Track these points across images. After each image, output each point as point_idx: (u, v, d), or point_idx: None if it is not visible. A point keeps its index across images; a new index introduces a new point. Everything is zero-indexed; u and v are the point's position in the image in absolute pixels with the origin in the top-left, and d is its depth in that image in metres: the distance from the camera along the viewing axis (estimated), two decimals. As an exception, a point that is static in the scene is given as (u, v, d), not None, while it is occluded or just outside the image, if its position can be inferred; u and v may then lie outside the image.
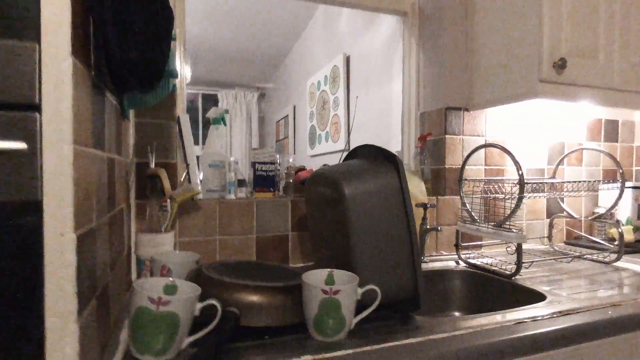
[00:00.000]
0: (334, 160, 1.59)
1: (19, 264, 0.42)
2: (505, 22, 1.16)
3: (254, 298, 0.64)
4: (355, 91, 1.81)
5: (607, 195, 1.47)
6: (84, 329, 0.46)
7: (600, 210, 1.42)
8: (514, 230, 0.97)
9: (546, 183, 1.15)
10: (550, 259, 1.18)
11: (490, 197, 1.17)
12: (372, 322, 0.69)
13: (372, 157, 0.81)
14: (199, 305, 0.58)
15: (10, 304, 0.42)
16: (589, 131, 1.54)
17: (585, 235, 1.43)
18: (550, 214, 1.43)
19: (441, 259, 1.21)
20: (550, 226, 1.36)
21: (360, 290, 0.64)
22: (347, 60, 1.89)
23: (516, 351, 0.64)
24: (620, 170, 1.17)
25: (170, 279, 0.61)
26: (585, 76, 1.10)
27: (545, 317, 0.72)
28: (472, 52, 1.29)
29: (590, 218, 1.41)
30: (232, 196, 1.11)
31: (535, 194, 1.14)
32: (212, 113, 1.16)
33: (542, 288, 0.90)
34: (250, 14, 2.45)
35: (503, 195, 1.08)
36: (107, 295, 0.61)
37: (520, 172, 0.98)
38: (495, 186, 1.18)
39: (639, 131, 1.63)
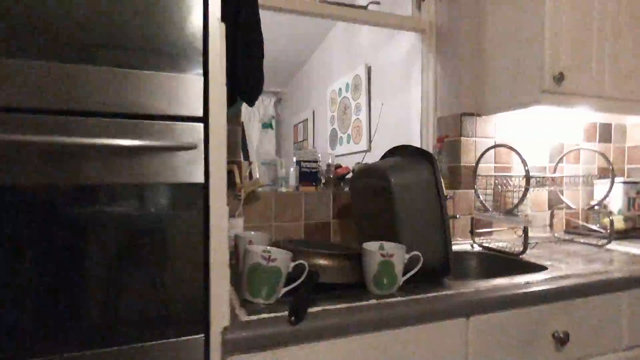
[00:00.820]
0: (356, 159, 1.79)
1: (192, 229, 0.63)
2: (512, 39, 1.36)
3: (327, 262, 0.84)
4: (376, 98, 2.02)
5: (601, 189, 1.66)
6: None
7: (595, 203, 1.62)
8: (521, 216, 1.17)
9: (548, 177, 1.35)
10: (552, 242, 1.38)
11: (501, 190, 1.37)
12: (415, 283, 0.89)
13: (409, 155, 1.01)
14: (292, 264, 0.78)
15: (187, 259, 0.62)
16: (585, 133, 1.74)
17: (583, 223, 1.63)
18: (551, 206, 1.63)
19: (458, 243, 1.40)
20: (551, 216, 1.56)
21: (407, 256, 0.85)
22: (369, 70, 2.10)
23: (526, 301, 0.84)
24: (611, 167, 1.37)
25: (267, 247, 0.81)
26: (580, 87, 1.30)
27: (547, 279, 0.92)
28: (483, 65, 1.50)
29: (586, 208, 1.61)
30: (283, 189, 1.31)
31: (539, 187, 1.34)
32: (263, 117, 1.36)
33: (545, 262, 1.10)
34: (272, 25, 2.65)
35: (512, 188, 1.28)
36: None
37: (526, 168, 1.18)
38: (505, 180, 1.38)
39: (630, 133, 1.83)
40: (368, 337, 0.72)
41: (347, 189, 1.36)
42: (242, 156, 1.23)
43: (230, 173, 1.11)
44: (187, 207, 0.62)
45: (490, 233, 1.52)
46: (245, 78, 0.70)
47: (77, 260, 0.57)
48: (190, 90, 0.63)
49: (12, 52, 0.53)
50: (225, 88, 0.64)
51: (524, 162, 1.18)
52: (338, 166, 1.40)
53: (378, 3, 1.61)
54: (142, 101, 0.60)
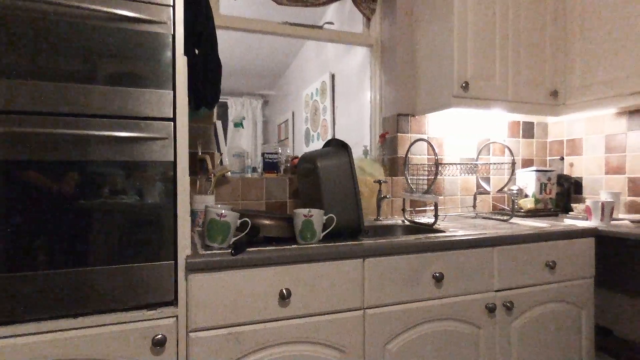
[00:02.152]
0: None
1: (166, 190, 0.96)
2: (433, 53, 1.70)
3: (267, 221, 1.18)
4: (338, 101, 2.35)
5: (523, 176, 1.99)
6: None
7: (514, 188, 1.94)
8: (432, 195, 1.50)
9: (456, 164, 1.68)
10: (469, 218, 1.71)
11: (420, 177, 1.69)
12: (335, 238, 1.22)
13: (335, 146, 1.34)
14: (239, 221, 1.11)
15: (163, 209, 0.95)
16: (510, 130, 2.07)
17: (501, 206, 1.96)
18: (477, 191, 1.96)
19: (394, 219, 1.73)
20: (474, 198, 1.89)
21: (324, 217, 1.18)
22: (333, 77, 2.44)
23: (410, 250, 1.17)
24: (512, 157, 1.70)
25: (220, 207, 1.14)
26: (485, 93, 1.63)
27: (436, 237, 1.25)
28: (415, 74, 1.83)
29: (497, 191, 1.94)
30: (249, 176, 1.64)
31: (451, 174, 1.67)
32: (235, 119, 1.70)
33: (448, 229, 1.43)
34: (257, 37, 2.98)
35: (424, 173, 1.61)
36: (188, 218, 1.15)
37: (436, 158, 1.51)
38: (423, 168, 1.71)
39: (550, 130, 2.16)
40: (289, 267, 1.05)
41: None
42: (215, 148, 1.56)
43: (203, 161, 1.44)
44: (163, 176, 0.95)
45: (424, 211, 1.85)
46: (204, 92, 1.03)
47: (87, 204, 0.90)
48: (164, 101, 0.96)
49: (51, 78, 0.87)
50: (187, 99, 0.98)
51: (434, 151, 1.51)
52: (295, 157, 1.74)
53: (332, 23, 1.94)
54: (134, 108, 0.93)
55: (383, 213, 1.78)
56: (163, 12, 0.96)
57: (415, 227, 1.57)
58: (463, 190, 1.96)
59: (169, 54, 0.96)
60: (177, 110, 0.97)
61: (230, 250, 1.00)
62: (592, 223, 1.53)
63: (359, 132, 2.17)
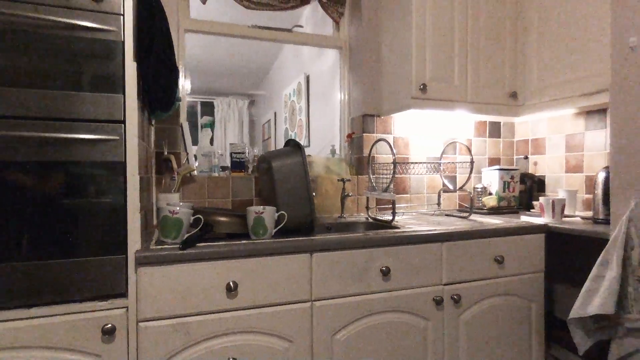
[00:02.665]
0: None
1: (117, 189, 1.02)
2: (395, 56, 1.75)
3: (221, 218, 1.23)
4: (313, 102, 2.41)
5: (488, 175, 2.05)
6: (142, 218, 1.06)
7: (479, 186, 2.00)
8: (390, 193, 1.56)
9: (415, 162, 1.74)
10: (430, 215, 1.77)
11: (384, 175, 1.75)
12: (288, 234, 1.28)
13: (291, 146, 1.40)
14: (192, 218, 1.17)
15: (114, 207, 1.01)
16: (476, 130, 2.13)
17: (464, 204, 2.02)
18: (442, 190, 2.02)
19: (359, 216, 1.79)
20: (439, 197, 1.95)
21: (277, 214, 1.24)
22: (308, 78, 2.50)
23: (358, 245, 1.23)
24: (471, 157, 1.76)
25: (173, 204, 1.20)
26: (443, 94, 1.69)
27: (387, 233, 1.31)
28: (379, 76, 1.89)
29: (458, 188, 1.99)
30: (216, 175, 1.70)
31: (406, 174, 1.73)
32: (204, 120, 1.76)
33: (405, 226, 1.49)
34: (235, 39, 3.05)
35: (388, 172, 1.67)
36: (145, 213, 1.21)
37: (394, 157, 1.57)
38: (385, 167, 1.76)
39: (517, 129, 2.22)
40: (237, 261, 1.10)
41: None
42: (182, 148, 1.61)
43: (168, 161, 1.50)
44: (114, 175, 1.01)
45: (389, 208, 1.91)
46: (155, 96, 1.09)
47: (43, 201, 0.95)
48: (115, 104, 1.02)
49: (5, 82, 0.92)
50: (136, 102, 1.04)
51: (392, 150, 1.57)
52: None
53: (301, 27, 2.00)
54: (86, 111, 0.99)
55: (349, 210, 1.84)
56: (114, 20, 1.02)
57: (375, 223, 1.63)
58: (429, 188, 2.02)
59: (120, 59, 1.02)
60: (126, 113, 1.03)
61: (179, 246, 1.06)
62: (545, 220, 1.59)
63: (331, 132, 2.23)
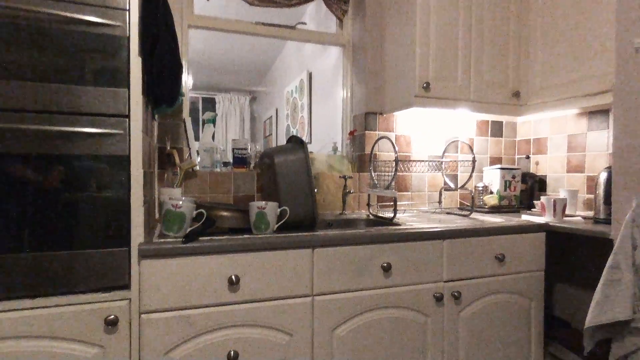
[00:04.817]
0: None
1: (121, 182, 1.03)
2: (398, 54, 1.76)
3: (224, 213, 1.24)
4: (315, 99, 2.42)
5: (489, 174, 2.05)
6: (145, 212, 1.07)
7: (480, 185, 2.01)
8: (392, 190, 1.56)
9: (416, 160, 1.75)
10: (432, 213, 1.78)
11: (385, 173, 1.76)
12: (290, 230, 1.29)
13: (293, 142, 1.41)
14: (195, 212, 1.18)
15: (118, 200, 1.02)
16: (478, 128, 2.13)
17: (465, 203, 2.03)
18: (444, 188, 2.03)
19: (360, 213, 1.80)
20: (440, 194, 1.95)
21: (278, 209, 1.24)
22: (310, 75, 2.50)
23: (359, 241, 1.24)
24: (473, 156, 1.76)
25: (175, 199, 1.21)
26: (446, 93, 1.69)
27: (390, 230, 1.32)
28: (382, 75, 1.89)
29: (459, 187, 2.00)
30: (218, 170, 1.71)
31: (422, 172, 1.73)
32: (206, 116, 1.76)
33: (406, 223, 1.49)
34: (237, 35, 3.05)
35: (389, 170, 1.68)
36: (148, 207, 1.22)
37: (396, 155, 1.57)
38: (386, 164, 1.77)
39: (519, 129, 2.22)
40: (238, 255, 1.11)
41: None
42: (185, 144, 1.62)
43: (170, 155, 1.51)
44: (118, 169, 1.02)
45: (390, 205, 1.91)
46: (161, 91, 1.10)
47: (48, 193, 0.96)
48: (120, 99, 1.02)
49: (11, 76, 0.93)
50: (141, 97, 1.04)
51: (394, 148, 1.57)
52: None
53: (304, 24, 2.00)
54: (91, 105, 0.99)
55: (350, 207, 1.84)
56: (119, 15, 1.02)
57: (376, 220, 1.64)
58: (430, 187, 2.02)
59: (125, 54, 1.02)
60: (131, 108, 1.03)
61: (182, 239, 1.07)
62: (546, 219, 1.59)
63: (333, 129, 2.23)
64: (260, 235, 1.18)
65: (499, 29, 1.79)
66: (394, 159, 1.56)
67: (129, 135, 1.04)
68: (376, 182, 1.75)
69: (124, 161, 1.03)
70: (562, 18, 1.68)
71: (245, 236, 1.17)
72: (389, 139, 1.62)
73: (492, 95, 1.78)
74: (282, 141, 3.35)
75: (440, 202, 1.96)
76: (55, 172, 0.97)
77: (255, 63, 3.58)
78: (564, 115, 1.93)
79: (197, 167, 1.63)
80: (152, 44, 1.08)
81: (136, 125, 1.04)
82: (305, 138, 2.57)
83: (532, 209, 1.96)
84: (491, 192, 2.00)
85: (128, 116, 1.03)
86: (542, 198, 1.62)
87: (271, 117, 3.58)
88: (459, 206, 2.09)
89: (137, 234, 1.04)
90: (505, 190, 1.98)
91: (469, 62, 1.73)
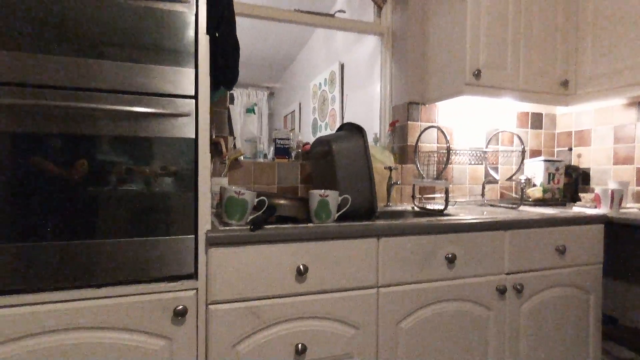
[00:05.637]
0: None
1: (188, 166, 0.98)
2: (445, 42, 1.71)
3: (283, 201, 1.19)
4: (347, 90, 2.36)
5: (531, 166, 2.00)
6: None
7: (523, 177, 1.96)
8: (443, 180, 1.52)
9: (467, 151, 1.70)
10: (477, 205, 1.73)
11: (430, 164, 1.71)
12: (349, 219, 1.24)
13: (349, 129, 1.36)
14: (256, 200, 1.13)
15: (185, 185, 0.97)
16: (518, 120, 2.08)
17: (507, 192, 1.98)
18: (486, 181, 1.98)
19: (404, 206, 1.75)
20: (483, 187, 1.90)
21: (340, 198, 1.20)
22: (342, 67, 2.45)
23: (421, 231, 1.19)
24: (523, 146, 1.71)
25: (242, 189, 1.16)
26: (496, 81, 1.64)
27: (444, 219, 1.27)
28: (426, 63, 1.84)
29: (506, 179, 1.95)
30: (261, 160, 1.66)
31: (461, 163, 1.69)
32: (248, 105, 1.72)
33: (456, 214, 1.45)
34: (264, 28, 2.99)
35: (433, 161, 1.63)
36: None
37: (448, 144, 1.53)
38: (435, 154, 1.72)
39: (559, 121, 2.17)
40: (305, 244, 1.06)
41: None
42: (228, 132, 1.57)
43: (217, 144, 1.46)
44: (184, 153, 0.97)
45: (433, 198, 1.87)
46: (224, 71, 1.05)
47: (112, 178, 0.92)
48: (186, 78, 0.98)
49: (76, 53, 0.88)
50: (208, 77, 0.99)
51: (446, 137, 1.53)
52: (306, 144, 1.75)
53: (344, 12, 1.95)
54: (157, 85, 0.95)
55: (392, 200, 1.79)
56: (186, -9, 0.97)
57: (425, 212, 1.59)
58: (471, 180, 1.97)
59: (192, 32, 0.98)
60: (199, 88, 0.99)
61: (249, 226, 1.02)
62: (601, 210, 1.54)
63: (367, 121, 2.18)
64: (323, 224, 1.13)
65: (549, 14, 1.74)
66: (446, 148, 1.52)
67: (197, 117, 0.99)
68: (422, 173, 1.70)
69: (191, 144, 0.98)
70: (614, 4, 1.63)
71: (311, 224, 1.12)
72: (438, 127, 1.57)
73: (540, 84, 1.73)
74: (306, 135, 3.29)
75: (483, 194, 1.91)
76: (119, 156, 0.92)
77: (277, 57, 3.53)
78: (610, 106, 1.88)
79: (242, 157, 1.58)
80: (216, 24, 1.04)
81: (204, 106, 0.99)
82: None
83: (578, 202, 1.91)
84: (534, 185, 1.95)
85: (196, 97, 0.99)
86: (597, 189, 1.57)
87: (293, 111, 3.53)
88: (499, 198, 2.04)
89: (205, 220, 0.99)
90: (548, 182, 1.93)
91: (519, 49, 1.68)
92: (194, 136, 0.99)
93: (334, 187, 1.26)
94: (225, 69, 1.06)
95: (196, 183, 0.99)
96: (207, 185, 0.99)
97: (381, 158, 1.80)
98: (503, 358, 1.31)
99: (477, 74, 1.58)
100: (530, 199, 1.88)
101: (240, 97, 4.09)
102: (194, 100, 0.99)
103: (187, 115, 0.97)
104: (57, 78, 0.88)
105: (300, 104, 3.44)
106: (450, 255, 1.22)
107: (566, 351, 1.42)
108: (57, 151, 0.87)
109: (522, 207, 1.71)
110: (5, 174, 0.84)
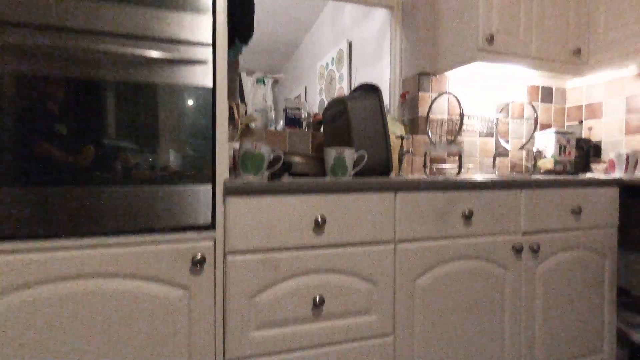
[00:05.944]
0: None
1: (206, 115, 0.97)
2: (457, 10, 1.69)
3: (298, 159, 1.19)
4: (356, 67, 2.35)
5: (541, 138, 1.99)
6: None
7: (534, 148, 1.94)
8: (459, 145, 1.50)
9: (482, 119, 1.68)
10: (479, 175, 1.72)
11: (447, 128, 1.70)
12: (365, 175, 1.23)
13: (365, 89, 1.35)
14: (272, 155, 1.12)
15: (203, 133, 0.96)
16: (529, 94, 2.07)
17: (520, 163, 1.96)
18: (496, 153, 1.96)
19: (416, 176, 1.74)
20: (494, 159, 1.89)
21: (355, 154, 1.18)
22: (350, 44, 2.44)
23: (438, 187, 1.18)
24: (535, 115, 1.70)
25: (257, 143, 1.15)
26: (509, 47, 1.63)
27: (462, 179, 1.26)
28: (437, 33, 1.83)
29: (518, 148, 1.94)
30: (272, 129, 1.65)
31: (474, 137, 1.67)
32: (258, 75, 1.70)
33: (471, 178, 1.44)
34: (268, 13, 2.98)
35: (448, 130, 1.62)
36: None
37: (461, 109, 1.51)
38: (448, 122, 1.71)
39: (569, 95, 2.16)
40: (323, 196, 1.05)
41: (322, 130, 1.70)
42: (240, 99, 1.56)
43: (230, 109, 1.45)
44: (202, 101, 0.96)
45: (444, 169, 1.85)
46: (240, 24, 1.04)
47: (133, 124, 0.91)
48: (204, 26, 0.96)
49: (96, -5, 0.87)
50: (226, 27, 0.98)
51: (459, 103, 1.52)
52: (316, 114, 1.74)
53: (353, -17, 1.94)
54: (173, 31, 0.94)
55: (404, 171, 1.78)
56: (202, -63, 0.96)
57: (438, 179, 1.58)
58: (482, 152, 1.96)
59: (208, -21, 0.97)
60: (217, 37, 0.98)
61: (268, 177, 1.01)
62: (616, 175, 1.53)
63: (377, 97, 2.17)
64: (340, 178, 1.12)
65: (560, -17, 1.72)
66: (459, 114, 1.50)
67: (215, 65, 0.98)
68: (434, 142, 1.69)
69: (208, 93, 0.97)
70: (628, -30, 1.61)
71: (328, 178, 1.11)
72: (451, 93, 1.56)
73: (553, 51, 1.72)
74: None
75: (494, 166, 1.89)
76: (136, 104, 0.91)
77: (280, 43, 3.52)
78: (621, 77, 1.87)
79: (254, 124, 1.57)
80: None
81: (222, 54, 0.98)
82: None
83: (589, 173, 1.90)
84: (545, 157, 1.93)
85: (214, 45, 0.98)
86: (611, 154, 1.56)
87: (299, 95, 3.52)
88: (509, 170, 2.03)
89: (223, 170, 0.98)
90: (560, 154, 1.92)
91: (531, 15, 1.67)
92: (211, 85, 0.97)
93: (348, 145, 1.25)
94: (241, 21, 1.05)
95: (214, 132, 0.98)
96: (225, 134, 0.98)
97: (392, 128, 1.79)
98: (518, 319, 1.31)
99: (490, 40, 1.57)
100: (541, 171, 1.87)
101: (246, 84, 4.09)
102: (211, 48, 0.97)
103: (204, 62, 0.96)
104: (74, 22, 0.87)
105: (305, 88, 3.43)
106: (467, 212, 1.20)
107: (581, 315, 1.41)
108: (76, 97, 0.86)
109: (533, 176, 1.70)
110: (21, 117, 0.83)
